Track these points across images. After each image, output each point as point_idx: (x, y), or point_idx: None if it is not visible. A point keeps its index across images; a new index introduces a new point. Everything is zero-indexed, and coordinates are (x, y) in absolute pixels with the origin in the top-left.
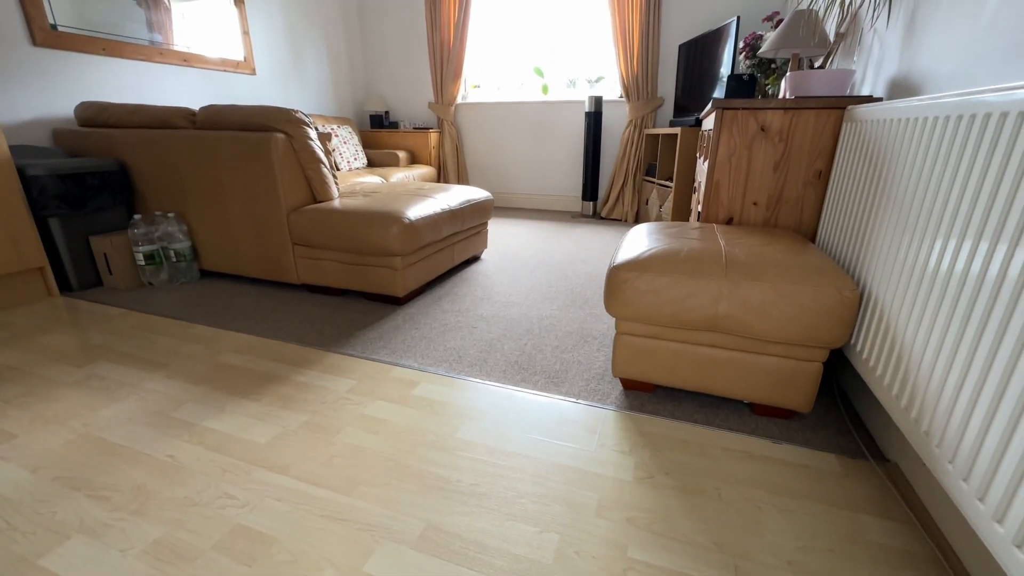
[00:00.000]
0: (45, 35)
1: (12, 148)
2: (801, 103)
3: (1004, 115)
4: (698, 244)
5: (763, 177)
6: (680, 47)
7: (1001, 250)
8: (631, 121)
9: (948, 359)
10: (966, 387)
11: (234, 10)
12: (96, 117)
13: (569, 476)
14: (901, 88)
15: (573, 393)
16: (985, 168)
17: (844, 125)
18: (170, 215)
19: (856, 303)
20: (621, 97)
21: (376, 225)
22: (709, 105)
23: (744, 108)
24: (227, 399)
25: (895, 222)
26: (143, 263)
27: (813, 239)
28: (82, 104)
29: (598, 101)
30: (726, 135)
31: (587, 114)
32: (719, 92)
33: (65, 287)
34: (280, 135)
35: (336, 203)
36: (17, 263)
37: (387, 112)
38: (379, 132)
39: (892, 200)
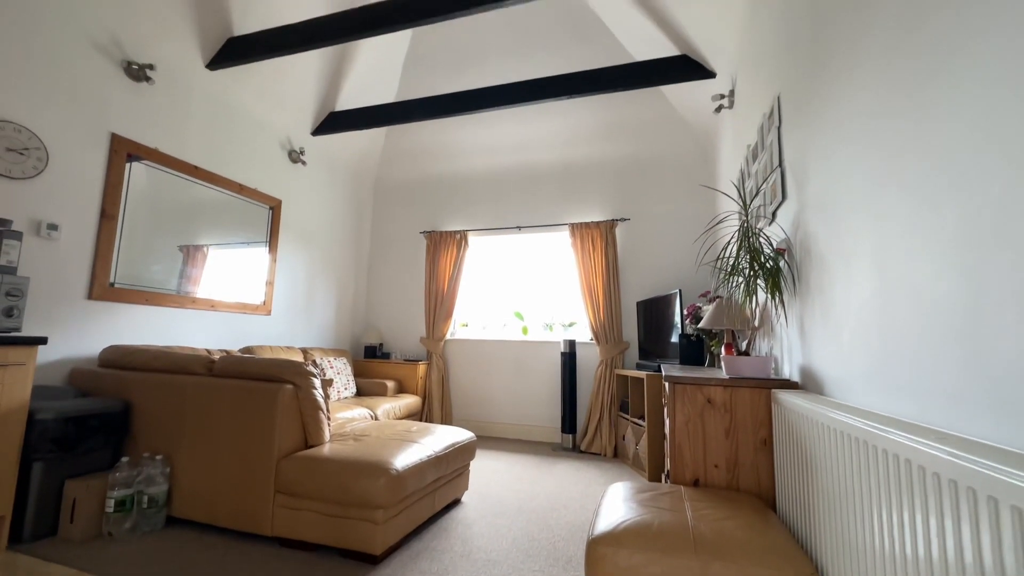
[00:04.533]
0: (102, 291)
1: None
2: (736, 382)
3: (879, 448)
4: (668, 516)
5: (718, 442)
6: (638, 304)
7: (920, 540)
8: (602, 361)
9: None
10: None
11: (267, 257)
12: (121, 360)
13: None
14: (809, 377)
15: None
16: (872, 472)
17: (772, 405)
18: (157, 457)
19: None
20: (591, 340)
21: (364, 477)
22: (664, 375)
23: (691, 383)
24: None
25: (828, 502)
26: (111, 510)
27: (774, 503)
28: (110, 347)
29: (572, 343)
30: (680, 404)
31: (563, 354)
32: (674, 338)
33: (16, 537)
34: (289, 386)
35: (326, 449)
36: None
37: (381, 344)
38: (371, 362)
39: (820, 480)
